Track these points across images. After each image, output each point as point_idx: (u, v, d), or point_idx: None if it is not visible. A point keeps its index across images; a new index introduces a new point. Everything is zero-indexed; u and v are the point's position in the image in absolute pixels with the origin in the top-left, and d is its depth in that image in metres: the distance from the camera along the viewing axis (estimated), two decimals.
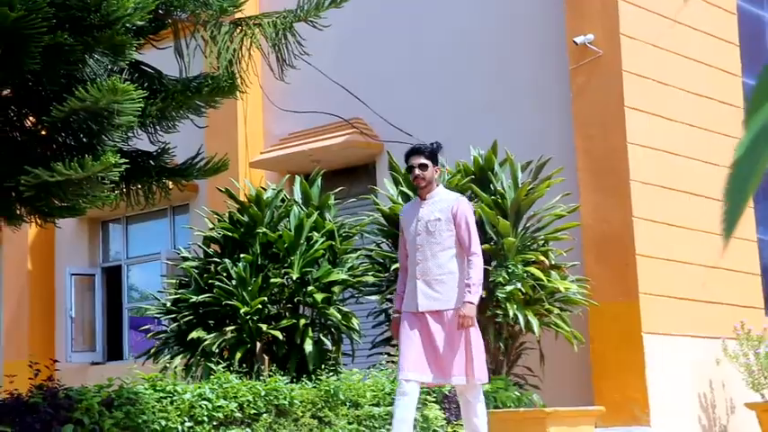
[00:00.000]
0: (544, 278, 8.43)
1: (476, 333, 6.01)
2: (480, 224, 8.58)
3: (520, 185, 8.74)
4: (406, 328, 6.04)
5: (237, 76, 6.19)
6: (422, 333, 5.97)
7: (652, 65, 10.10)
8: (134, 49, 5.60)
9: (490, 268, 8.43)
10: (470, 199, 8.79)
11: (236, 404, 6.68)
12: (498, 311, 8.34)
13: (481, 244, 8.40)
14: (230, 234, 8.75)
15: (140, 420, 6.22)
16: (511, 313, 8.24)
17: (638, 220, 9.55)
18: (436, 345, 5.93)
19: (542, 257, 8.59)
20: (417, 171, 6.16)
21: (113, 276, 14.54)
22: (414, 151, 6.25)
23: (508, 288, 8.27)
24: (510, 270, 8.35)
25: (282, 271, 8.42)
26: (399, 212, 6.44)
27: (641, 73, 9.94)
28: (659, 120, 10.05)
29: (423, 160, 6.16)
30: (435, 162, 6.22)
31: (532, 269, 8.41)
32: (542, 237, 8.82)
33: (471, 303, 5.99)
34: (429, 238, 6.08)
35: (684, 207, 10.14)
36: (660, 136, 10.01)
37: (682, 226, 10.06)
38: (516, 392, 8.13)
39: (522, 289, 8.33)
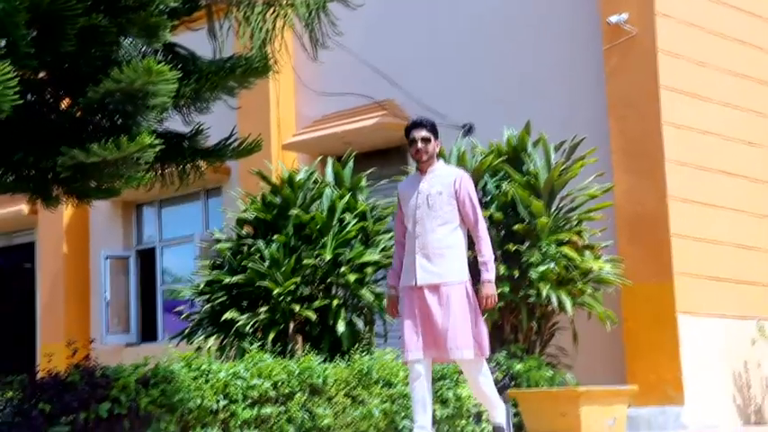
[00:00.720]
0: (577, 258, 8.41)
1: (476, 307, 6.00)
2: (513, 204, 8.59)
3: (553, 165, 8.71)
4: (406, 308, 6.05)
5: (270, 56, 6.21)
6: (420, 309, 5.96)
7: (687, 44, 10.01)
8: (168, 30, 5.63)
9: (523, 248, 8.43)
10: (503, 179, 8.79)
11: (270, 383, 6.73)
12: (531, 291, 8.34)
13: (514, 224, 8.48)
14: (263, 216, 8.80)
15: (176, 398, 6.28)
16: (544, 293, 8.23)
17: (672, 200, 9.49)
18: (434, 320, 5.90)
19: (575, 237, 8.57)
20: (420, 144, 6.12)
21: (147, 259, 14.66)
22: (416, 124, 6.21)
23: (541, 268, 8.27)
24: (543, 250, 8.34)
25: (315, 252, 8.47)
26: (398, 187, 6.39)
27: (676, 52, 9.86)
28: (694, 99, 9.97)
29: (425, 134, 6.12)
30: (437, 136, 6.20)
31: (565, 249, 8.40)
32: (575, 217, 8.79)
33: (490, 281, 5.99)
34: (429, 212, 6.04)
35: (719, 187, 10.07)
36: (695, 115, 9.93)
37: (716, 206, 9.99)
38: (549, 372, 8.13)
39: (556, 269, 8.32)
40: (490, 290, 5.98)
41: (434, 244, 6.00)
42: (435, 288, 5.94)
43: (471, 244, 6.14)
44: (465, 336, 5.90)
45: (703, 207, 9.83)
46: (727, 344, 9.80)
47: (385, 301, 6.47)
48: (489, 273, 6.00)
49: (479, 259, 6.04)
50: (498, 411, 6.12)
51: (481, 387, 6.04)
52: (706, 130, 10.04)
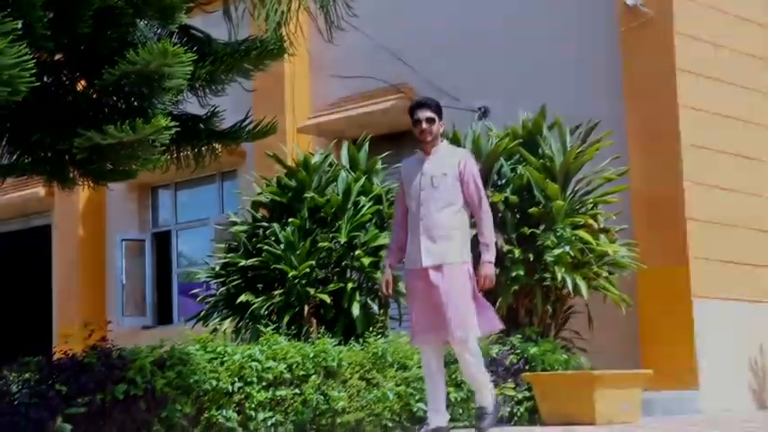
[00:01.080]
0: (593, 241, 8.39)
1: (473, 287, 5.99)
2: (528, 187, 8.57)
3: (568, 149, 8.68)
4: (412, 291, 6.07)
5: (285, 38, 6.20)
6: (426, 291, 5.96)
7: (704, 26, 9.94)
8: (184, 12, 5.63)
9: (538, 231, 8.41)
10: (518, 162, 8.76)
11: (285, 365, 6.74)
12: (546, 275, 8.32)
13: (529, 208, 8.46)
14: (278, 199, 8.81)
15: (191, 380, 6.31)
16: (559, 276, 8.22)
17: (689, 184, 9.45)
18: (439, 300, 5.88)
19: (591, 221, 8.54)
20: (425, 125, 6.08)
21: (163, 242, 14.71)
22: (420, 105, 6.16)
23: (556, 251, 8.24)
24: (558, 233, 8.32)
25: (330, 235, 8.47)
26: (401, 167, 6.35)
27: (693, 34, 9.80)
28: (711, 82, 9.91)
29: (430, 114, 6.08)
30: (441, 117, 6.15)
31: (581, 232, 8.37)
32: (591, 200, 8.76)
33: (491, 262, 5.99)
34: (434, 194, 6.02)
35: (736, 170, 10.02)
36: (711, 98, 9.87)
37: (732, 189, 9.94)
38: (564, 355, 8.12)
39: (571, 252, 8.30)
40: (489, 270, 5.98)
41: (439, 225, 5.99)
42: (439, 269, 5.93)
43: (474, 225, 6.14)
44: (468, 316, 5.89)
45: (719, 190, 9.79)
46: (743, 328, 9.77)
47: (382, 279, 6.35)
48: (489, 254, 6.00)
49: (481, 240, 6.03)
50: (486, 395, 6.08)
51: (473, 369, 6.02)
52: (723, 113, 9.99)
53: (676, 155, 9.48)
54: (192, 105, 6.26)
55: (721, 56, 10.10)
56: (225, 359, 6.57)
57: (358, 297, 8.35)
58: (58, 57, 5.84)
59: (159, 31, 5.90)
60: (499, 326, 6.17)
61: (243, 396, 6.54)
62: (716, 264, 9.58)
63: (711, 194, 9.69)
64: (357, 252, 8.41)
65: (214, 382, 6.41)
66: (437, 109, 6.14)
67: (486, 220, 6.05)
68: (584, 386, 7.40)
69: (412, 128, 6.19)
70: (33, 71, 4.71)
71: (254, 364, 6.62)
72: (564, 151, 8.67)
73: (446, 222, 5.99)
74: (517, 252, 8.28)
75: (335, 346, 7.18)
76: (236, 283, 8.61)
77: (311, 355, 6.91)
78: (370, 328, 7.98)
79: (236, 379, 6.53)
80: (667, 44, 9.61)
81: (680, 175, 9.45)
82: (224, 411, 6.44)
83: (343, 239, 8.39)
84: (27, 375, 6.12)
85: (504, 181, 8.74)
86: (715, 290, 9.52)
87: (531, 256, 8.33)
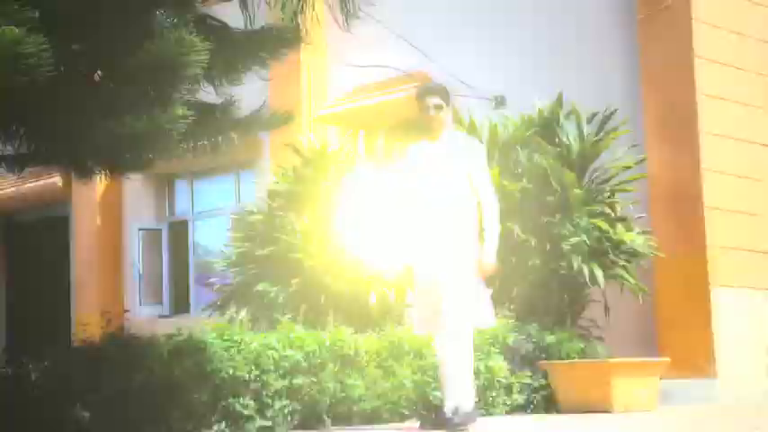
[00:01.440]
0: (610, 230, 8.36)
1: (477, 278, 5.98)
2: (545, 176, 8.54)
3: (585, 137, 8.65)
4: (416, 280, 6.07)
5: (302, 27, 6.20)
6: (429, 280, 5.96)
7: (723, 13, 9.87)
8: (199, 1, 5.64)
9: (555, 220, 8.39)
10: (535, 151, 8.74)
11: (301, 354, 6.75)
12: (563, 263, 8.30)
13: (546, 196, 8.43)
14: (295, 188, 8.82)
15: (209, 368, 6.33)
16: (575, 265, 8.19)
17: (707, 172, 9.40)
18: (441, 288, 5.87)
19: (608, 209, 8.51)
20: (432, 112, 6.05)
21: (180, 231, 14.74)
22: (428, 91, 6.12)
23: (573, 240, 8.22)
24: (575, 222, 8.30)
25: None
26: (407, 153, 6.31)
27: (712, 22, 9.73)
28: (730, 69, 9.84)
29: (437, 101, 6.04)
30: (449, 103, 6.11)
31: (598, 221, 8.35)
32: (608, 188, 8.73)
33: (492, 250, 5.99)
34: (441, 182, 6.00)
35: (754, 158, 9.96)
36: (730, 86, 9.81)
37: (751, 177, 9.89)
38: (581, 344, 8.12)
39: (588, 241, 8.27)
40: (490, 258, 5.96)
41: (446, 214, 5.97)
42: (445, 258, 5.91)
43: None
44: (467, 308, 5.87)
45: (738, 179, 9.73)
46: (761, 316, 9.73)
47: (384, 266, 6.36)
48: (492, 242, 5.98)
49: (485, 226, 6.01)
50: (467, 398, 5.92)
51: (465, 366, 5.92)
52: (742, 101, 9.92)
53: (695, 143, 9.42)
54: (206, 95, 6.26)
55: (741, 42, 10.03)
56: (242, 347, 6.58)
57: (374, 285, 8.35)
58: (74, 46, 5.84)
59: (175, 20, 5.90)
60: (492, 323, 6.15)
61: (260, 384, 6.55)
62: (734, 252, 9.53)
63: (730, 182, 9.64)
64: None
65: (231, 371, 6.42)
66: (445, 95, 6.09)
67: (492, 208, 6.04)
68: (600, 374, 7.39)
69: (422, 114, 6.14)
70: (50, 60, 4.73)
71: (270, 352, 6.63)
72: (581, 139, 8.64)
73: (453, 211, 5.98)
74: (533, 241, 8.26)
75: (352, 334, 7.18)
76: (252, 272, 8.63)
77: (328, 344, 6.91)
78: (387, 317, 7.98)
79: (253, 367, 6.54)
80: (685, 30, 9.54)
81: (698, 162, 9.39)
82: (241, 399, 6.45)
83: None
84: (46, 363, 6.16)
85: (520, 169, 8.72)
86: (732, 278, 9.47)
87: (548, 245, 8.31)
